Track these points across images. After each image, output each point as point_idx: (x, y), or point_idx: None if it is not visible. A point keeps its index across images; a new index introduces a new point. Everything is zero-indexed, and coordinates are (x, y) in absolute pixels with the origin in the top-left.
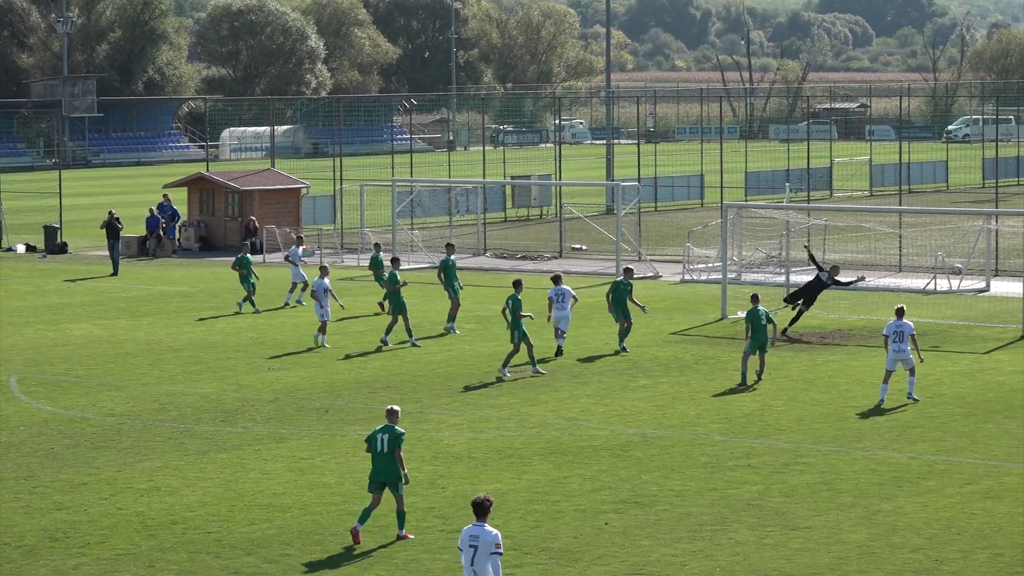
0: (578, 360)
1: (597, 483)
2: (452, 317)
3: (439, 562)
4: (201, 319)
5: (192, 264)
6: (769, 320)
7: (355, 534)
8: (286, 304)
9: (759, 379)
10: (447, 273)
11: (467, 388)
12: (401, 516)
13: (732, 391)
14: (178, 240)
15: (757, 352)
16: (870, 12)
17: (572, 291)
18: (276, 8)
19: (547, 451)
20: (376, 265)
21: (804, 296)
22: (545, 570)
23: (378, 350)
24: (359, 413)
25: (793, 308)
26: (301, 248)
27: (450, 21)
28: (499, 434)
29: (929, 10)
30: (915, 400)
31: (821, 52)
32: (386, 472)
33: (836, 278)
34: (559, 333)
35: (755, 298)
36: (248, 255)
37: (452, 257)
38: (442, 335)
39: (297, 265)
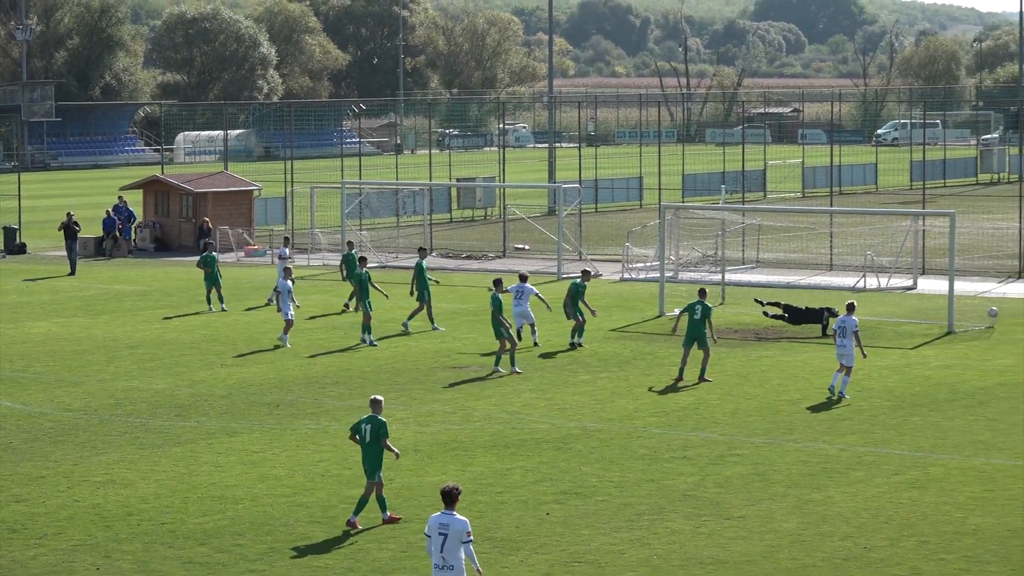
0: (521, 356)
1: (539, 475)
2: (412, 316)
3: (386, 552)
4: (166, 318)
5: (147, 264)
6: (704, 315)
7: (387, 520)
8: (269, 302)
9: (701, 378)
10: (419, 276)
11: (414, 384)
12: (381, 501)
13: (670, 386)
14: (134, 241)
15: (695, 346)
16: (803, 20)
17: (535, 289)
18: (229, 16)
19: (490, 444)
20: (348, 263)
21: (795, 313)
22: (488, 559)
23: (355, 346)
24: (309, 408)
25: (772, 311)
26: (288, 248)
27: (398, 29)
28: (444, 427)
29: (859, 18)
30: (843, 397)
31: (756, 59)
32: (368, 460)
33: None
34: (526, 327)
35: (701, 292)
36: (214, 253)
37: (423, 261)
38: (400, 334)
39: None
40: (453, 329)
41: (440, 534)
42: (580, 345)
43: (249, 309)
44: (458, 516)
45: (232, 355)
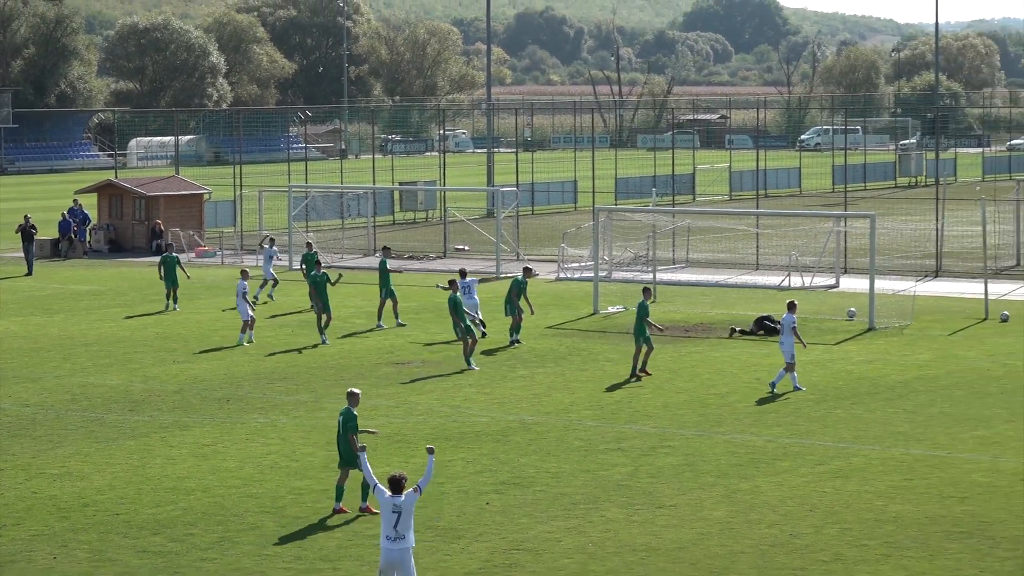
0: (462, 352)
1: (479, 466)
2: (388, 312)
3: (332, 540)
4: (128, 317)
5: (102, 265)
6: (640, 314)
7: (337, 511)
8: (255, 299)
9: (640, 372)
10: (384, 274)
11: (358, 379)
12: (364, 487)
13: (605, 380)
14: (89, 242)
15: (644, 344)
16: (729, 31)
17: (475, 280)
18: (180, 26)
19: (432, 437)
20: (308, 262)
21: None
22: (431, 547)
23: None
24: (257, 402)
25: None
26: (275, 247)
27: (342, 38)
28: (388, 421)
29: (783, 29)
30: (772, 391)
31: (685, 68)
32: (340, 450)
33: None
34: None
35: (644, 291)
36: (174, 254)
37: (386, 258)
38: (372, 330)
39: (271, 263)
40: (396, 326)
41: (393, 512)
42: (519, 342)
43: (228, 310)
44: (406, 498)
45: (184, 352)
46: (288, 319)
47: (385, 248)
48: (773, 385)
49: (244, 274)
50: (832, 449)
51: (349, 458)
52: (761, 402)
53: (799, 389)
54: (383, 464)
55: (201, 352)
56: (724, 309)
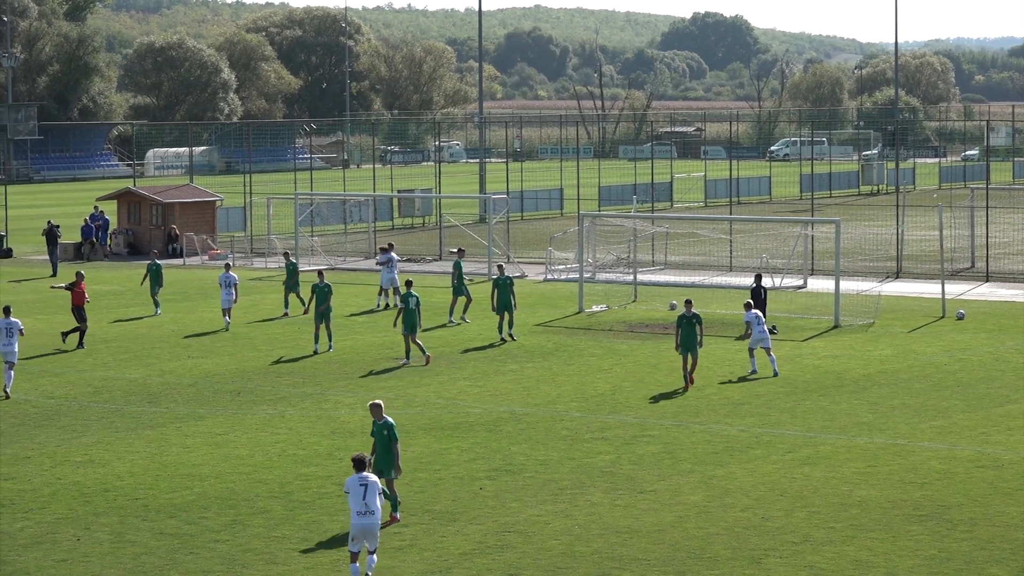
0: (457, 349)
1: (472, 454)
2: (461, 308)
3: (337, 523)
4: (120, 319)
5: (121, 267)
6: (697, 322)
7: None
8: (378, 307)
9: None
10: (459, 273)
11: (360, 373)
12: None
13: (589, 374)
14: (109, 246)
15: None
16: (704, 50)
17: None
18: (193, 45)
19: (429, 427)
20: (289, 272)
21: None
22: (428, 529)
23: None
24: (267, 395)
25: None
26: (392, 254)
27: (344, 56)
28: (388, 412)
29: (754, 48)
30: (775, 374)
31: (663, 84)
32: (380, 459)
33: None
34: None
35: (688, 303)
36: (158, 261)
37: (461, 260)
38: (445, 325)
39: (391, 269)
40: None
41: (361, 485)
42: (512, 338)
43: (259, 311)
44: (369, 474)
45: (198, 348)
46: (294, 319)
47: (460, 250)
48: (776, 373)
49: (228, 267)
50: (801, 438)
51: (387, 468)
52: (734, 395)
53: (754, 372)
54: None
55: (209, 337)
56: (700, 308)
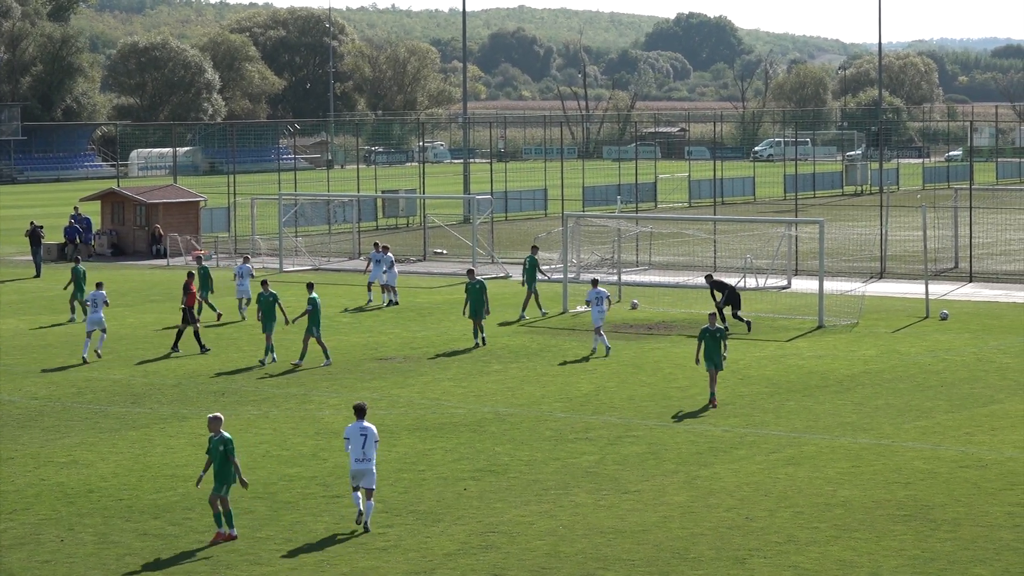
0: (439, 350)
1: (457, 454)
2: (525, 305)
3: (321, 523)
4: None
5: (105, 267)
6: (721, 336)
7: (227, 537)
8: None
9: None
10: (530, 269)
11: (344, 374)
12: (227, 516)
13: (574, 375)
14: (93, 246)
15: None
16: (688, 50)
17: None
18: (177, 45)
19: (413, 427)
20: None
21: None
22: (412, 529)
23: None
24: (251, 396)
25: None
26: (389, 254)
27: (328, 57)
28: (372, 413)
29: (738, 48)
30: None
31: (647, 84)
32: (224, 475)
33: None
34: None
35: (711, 317)
36: (80, 266)
37: (535, 256)
38: (518, 321)
39: (386, 269)
40: (379, 324)
41: (361, 435)
42: (484, 343)
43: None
44: (369, 424)
45: (183, 348)
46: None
47: (534, 247)
48: (608, 350)
49: (246, 258)
50: (785, 438)
51: (224, 484)
52: (719, 395)
53: (593, 351)
54: None
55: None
56: (684, 308)
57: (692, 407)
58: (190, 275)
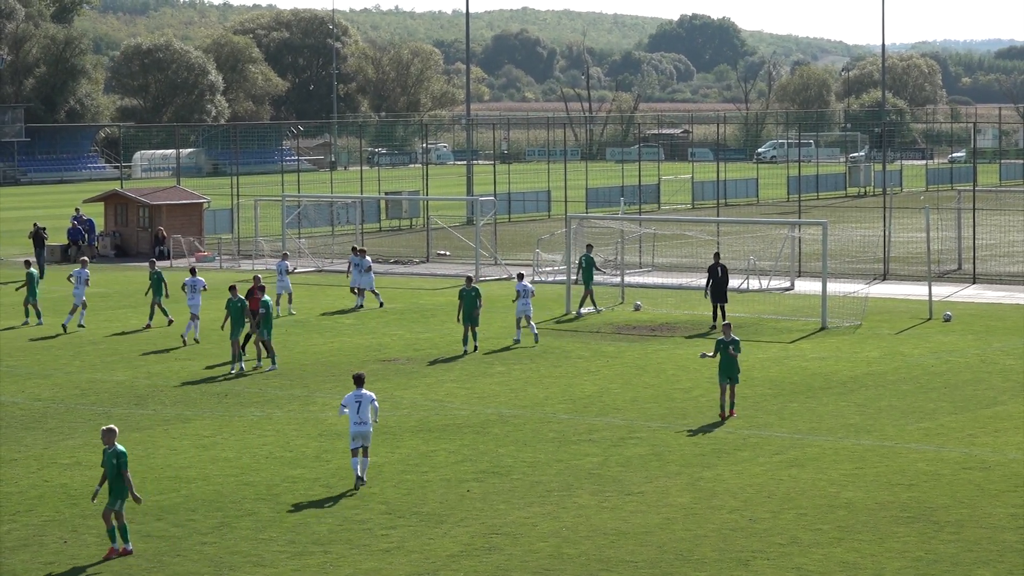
0: (443, 352)
1: (460, 456)
2: (583, 303)
3: (324, 525)
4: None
5: (108, 269)
6: (737, 350)
7: (122, 552)
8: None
9: (729, 414)
10: (585, 268)
11: (348, 375)
12: (122, 530)
13: (577, 376)
14: (96, 248)
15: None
16: (691, 51)
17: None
18: (180, 47)
19: (417, 428)
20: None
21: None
22: (416, 531)
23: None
24: (254, 397)
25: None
26: (367, 257)
27: (331, 59)
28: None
29: (741, 50)
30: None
31: (650, 86)
32: (117, 488)
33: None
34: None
35: (726, 328)
36: (34, 270)
37: (591, 255)
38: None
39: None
40: (383, 326)
41: (357, 401)
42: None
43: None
44: (366, 391)
45: (187, 350)
46: (281, 320)
47: (589, 245)
48: (536, 339)
49: (193, 271)
50: (788, 440)
51: (117, 497)
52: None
53: (517, 341)
54: (370, 455)
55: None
56: (687, 310)
57: (696, 409)
58: (256, 279)
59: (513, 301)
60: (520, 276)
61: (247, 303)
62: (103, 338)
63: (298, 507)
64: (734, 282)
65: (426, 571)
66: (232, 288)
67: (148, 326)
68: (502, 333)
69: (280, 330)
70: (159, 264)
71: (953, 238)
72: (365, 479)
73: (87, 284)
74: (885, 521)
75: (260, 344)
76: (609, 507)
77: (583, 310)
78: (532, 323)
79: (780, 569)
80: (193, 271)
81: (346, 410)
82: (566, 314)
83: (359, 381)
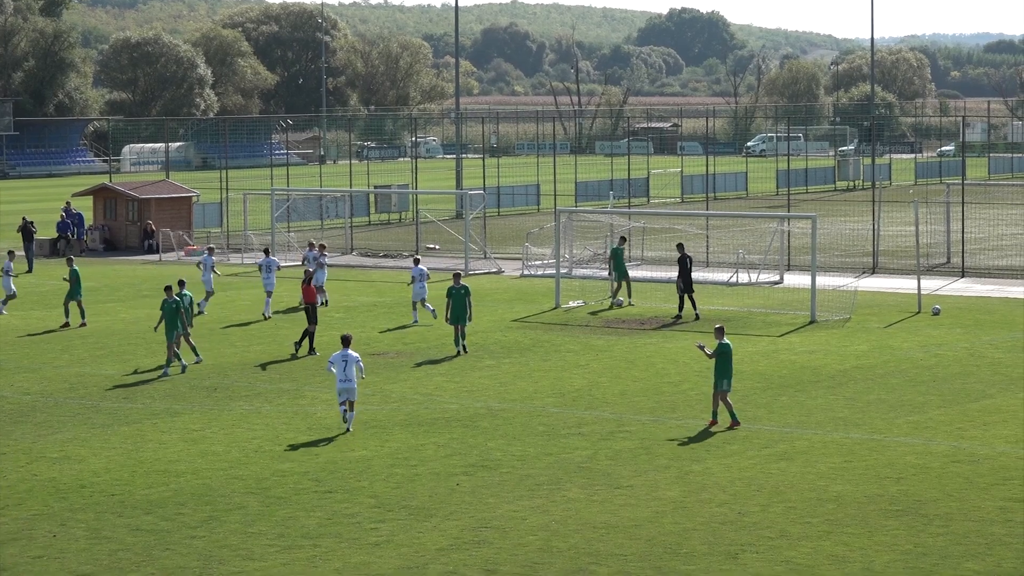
0: (432, 346)
1: (449, 449)
2: (615, 293)
3: (313, 519)
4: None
5: (97, 262)
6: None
7: None
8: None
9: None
10: (616, 259)
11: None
12: None
13: (566, 370)
14: (85, 242)
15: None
16: (680, 45)
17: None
18: (169, 41)
19: (406, 422)
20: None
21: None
22: (405, 525)
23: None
24: (243, 391)
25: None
26: (323, 253)
27: (321, 52)
28: (364, 408)
29: (731, 43)
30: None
31: (639, 79)
32: None
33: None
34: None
35: (719, 331)
36: (77, 268)
37: (621, 247)
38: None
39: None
40: (372, 320)
41: (343, 360)
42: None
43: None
44: (352, 351)
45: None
46: (267, 315)
47: (622, 238)
48: (434, 316)
49: (210, 251)
50: (777, 433)
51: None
52: (711, 390)
53: (416, 322)
54: (360, 449)
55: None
56: (677, 303)
57: (685, 402)
58: (307, 272)
59: (408, 285)
60: (416, 261)
61: (181, 303)
62: (91, 332)
63: (287, 501)
64: (723, 276)
65: (415, 565)
66: (167, 288)
67: (80, 324)
68: (492, 327)
69: (270, 324)
70: (154, 258)
71: (942, 232)
72: (351, 429)
73: (215, 271)
74: (874, 514)
75: (188, 341)
76: (598, 500)
77: (620, 299)
78: (427, 304)
79: (769, 562)
80: (267, 251)
81: (333, 368)
82: (555, 308)
83: (346, 342)
